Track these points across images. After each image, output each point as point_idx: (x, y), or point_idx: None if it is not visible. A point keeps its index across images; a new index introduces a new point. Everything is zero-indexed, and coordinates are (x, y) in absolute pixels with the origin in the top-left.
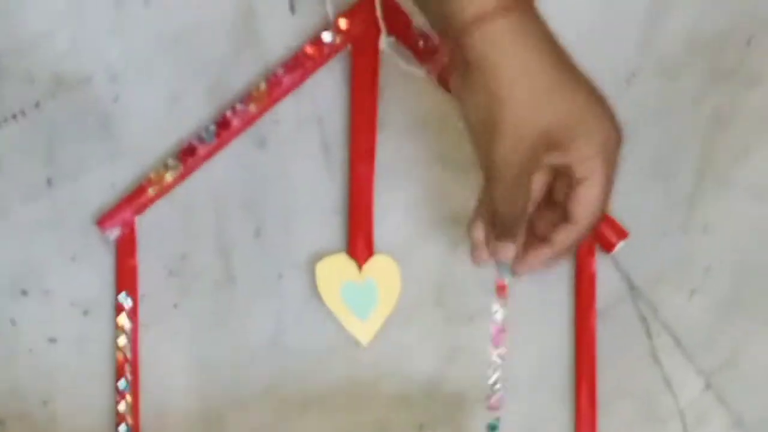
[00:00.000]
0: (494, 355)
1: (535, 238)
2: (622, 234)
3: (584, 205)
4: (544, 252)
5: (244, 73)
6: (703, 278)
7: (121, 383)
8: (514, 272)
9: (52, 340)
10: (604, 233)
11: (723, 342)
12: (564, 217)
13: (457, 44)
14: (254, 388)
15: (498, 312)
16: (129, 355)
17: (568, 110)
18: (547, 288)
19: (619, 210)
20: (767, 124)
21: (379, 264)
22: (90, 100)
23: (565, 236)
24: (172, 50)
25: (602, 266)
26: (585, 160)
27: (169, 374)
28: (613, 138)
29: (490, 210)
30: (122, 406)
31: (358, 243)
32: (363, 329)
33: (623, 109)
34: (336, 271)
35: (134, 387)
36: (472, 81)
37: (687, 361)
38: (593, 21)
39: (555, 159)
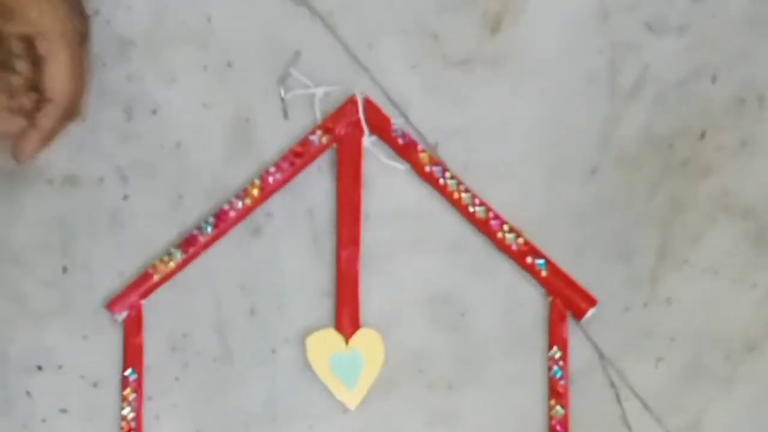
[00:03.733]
0: None
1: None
2: (591, 302)
3: (57, 82)
4: (33, 136)
5: (241, 173)
6: (667, 347)
7: None
8: (18, 160)
9: (64, 411)
10: (574, 301)
11: (688, 406)
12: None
13: None
14: None
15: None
16: (133, 425)
17: None
18: (522, 357)
19: (587, 286)
20: (720, 210)
21: (364, 337)
22: (102, 199)
23: (47, 118)
24: (175, 153)
25: (573, 338)
26: (47, 37)
27: None
28: (74, 27)
29: None
30: None
31: (345, 318)
32: (350, 396)
33: (587, 198)
34: (325, 344)
35: None
36: None
37: (656, 424)
38: (557, 121)
39: (14, 28)
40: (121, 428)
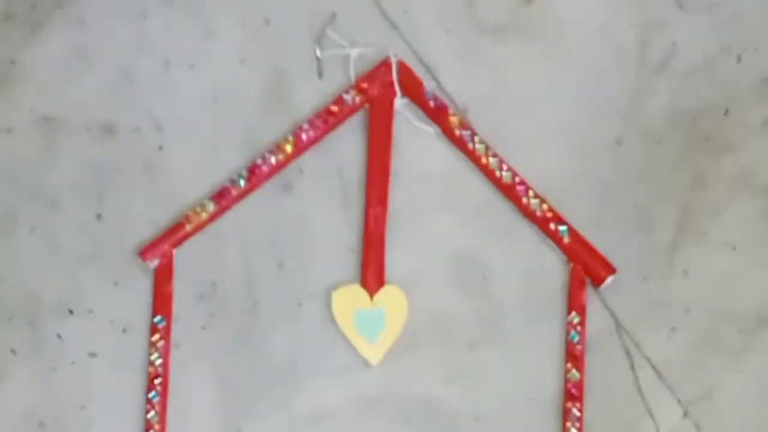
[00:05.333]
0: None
1: None
2: (610, 270)
3: None
4: None
5: (275, 129)
6: (682, 318)
7: (152, 394)
8: None
9: (93, 355)
10: (594, 268)
11: (700, 376)
12: None
13: None
14: (271, 404)
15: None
16: (161, 371)
17: None
18: (541, 320)
19: (607, 255)
20: (740, 186)
21: (388, 294)
22: (138, 148)
23: None
24: (211, 107)
25: (591, 304)
26: None
27: (195, 388)
28: None
29: None
30: (151, 415)
31: (371, 275)
32: (372, 351)
33: (611, 169)
34: (350, 299)
35: (163, 398)
36: None
37: (667, 393)
38: (585, 92)
39: None
40: (149, 374)
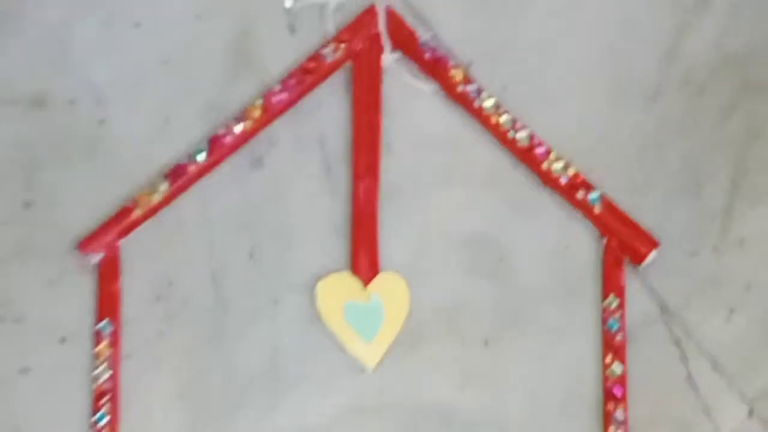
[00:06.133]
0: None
1: None
2: (652, 244)
3: None
4: None
5: (241, 94)
6: (742, 296)
7: (98, 416)
8: None
9: (25, 371)
10: (632, 243)
11: (766, 365)
12: None
13: None
14: (246, 421)
15: None
16: (108, 386)
17: None
18: (572, 307)
19: (647, 226)
20: None
21: (385, 281)
22: (74, 123)
23: None
24: (163, 72)
25: (632, 286)
26: None
27: (152, 406)
28: None
29: None
30: None
31: (362, 260)
32: (368, 352)
33: (649, 123)
34: (339, 290)
35: (113, 421)
36: None
37: (727, 387)
38: (615, 35)
39: None
40: (94, 391)
